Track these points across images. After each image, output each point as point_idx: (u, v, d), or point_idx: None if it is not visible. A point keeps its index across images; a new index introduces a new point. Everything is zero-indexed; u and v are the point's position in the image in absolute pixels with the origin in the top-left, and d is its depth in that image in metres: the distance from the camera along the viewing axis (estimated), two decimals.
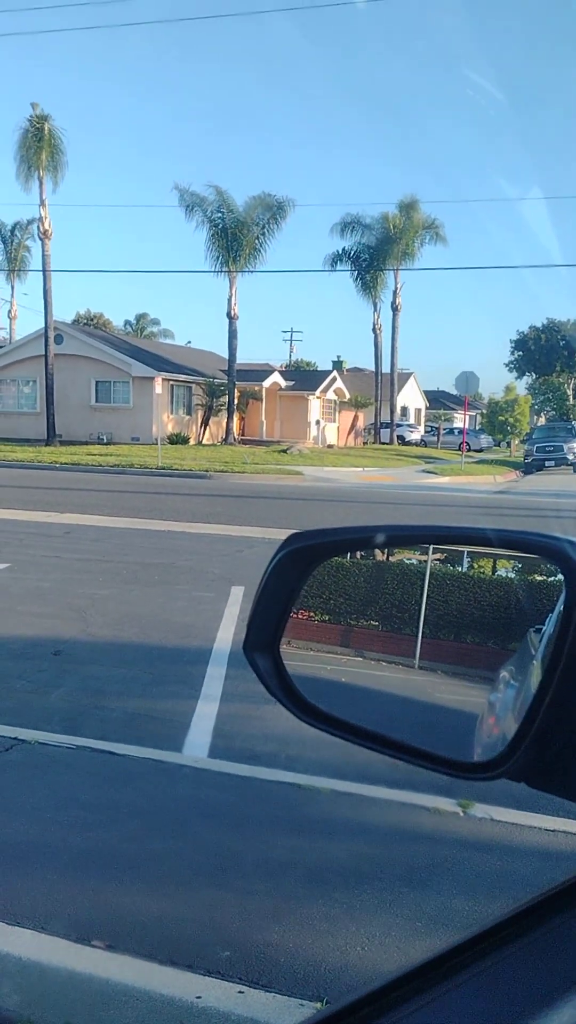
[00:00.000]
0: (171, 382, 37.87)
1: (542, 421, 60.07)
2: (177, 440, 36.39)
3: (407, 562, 1.12)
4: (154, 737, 4.81)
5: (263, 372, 44.66)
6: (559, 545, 0.82)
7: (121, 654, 6.58)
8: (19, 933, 2.86)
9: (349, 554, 1.12)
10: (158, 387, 33.32)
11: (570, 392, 69.54)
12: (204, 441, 39.64)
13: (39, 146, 34.34)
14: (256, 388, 42.55)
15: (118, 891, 3.18)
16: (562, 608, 0.79)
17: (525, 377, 71.86)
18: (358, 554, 1.14)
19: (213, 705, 5.34)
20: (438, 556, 1.06)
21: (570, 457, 35.39)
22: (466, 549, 1.09)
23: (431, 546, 1.10)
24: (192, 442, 38.52)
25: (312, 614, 1.12)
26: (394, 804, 4.02)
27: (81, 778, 4.22)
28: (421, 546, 1.10)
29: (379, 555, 1.15)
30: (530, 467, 35.45)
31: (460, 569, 1.09)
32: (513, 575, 1.07)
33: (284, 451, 34.74)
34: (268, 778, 4.29)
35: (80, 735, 4.73)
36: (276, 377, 44.57)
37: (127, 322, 75.06)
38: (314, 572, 0.97)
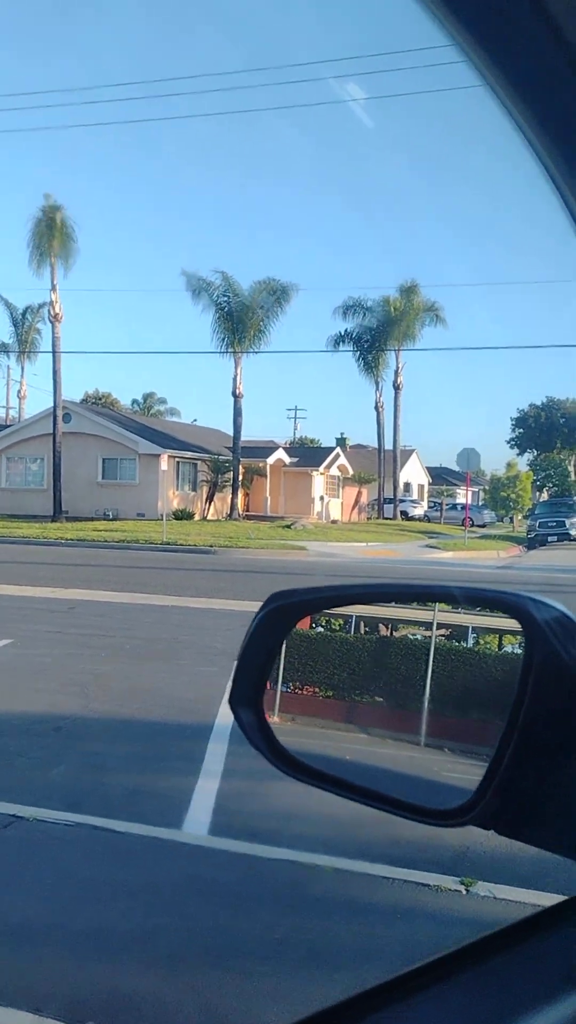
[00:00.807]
0: (177, 459, 38.34)
1: (544, 497, 60.34)
2: (182, 516, 36.63)
3: (411, 637, 1.11)
4: (154, 814, 4.76)
5: (267, 449, 45.21)
6: (520, 601, 0.89)
7: (122, 730, 6.55)
8: (17, 1016, 2.81)
9: (331, 619, 1.16)
10: (164, 464, 33.73)
11: (571, 468, 70.04)
12: (209, 517, 39.88)
13: (51, 234, 35.67)
14: (260, 464, 43.01)
15: (115, 971, 3.13)
16: (523, 660, 0.86)
17: (526, 453, 72.57)
18: (362, 629, 1.15)
19: (214, 782, 5.29)
20: (443, 632, 1.06)
21: (572, 532, 35.47)
22: (436, 603, 1.14)
23: (408, 603, 1.14)
24: (197, 518, 38.76)
25: (317, 690, 1.13)
26: (396, 882, 3.97)
27: (79, 855, 4.17)
28: (393, 603, 1.14)
29: (383, 630, 1.15)
30: (533, 542, 35.49)
31: (465, 644, 1.06)
32: (520, 651, 1.07)
33: (288, 526, 34.90)
34: (269, 856, 4.24)
35: (80, 812, 4.69)
36: (280, 454, 45.10)
37: (135, 401, 76.37)
38: (317, 646, 1.02)
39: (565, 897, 0.85)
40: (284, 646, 1.03)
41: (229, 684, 1.00)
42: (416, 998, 0.69)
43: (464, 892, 3.86)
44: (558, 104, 0.48)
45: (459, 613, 1.06)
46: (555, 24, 0.43)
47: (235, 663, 0.97)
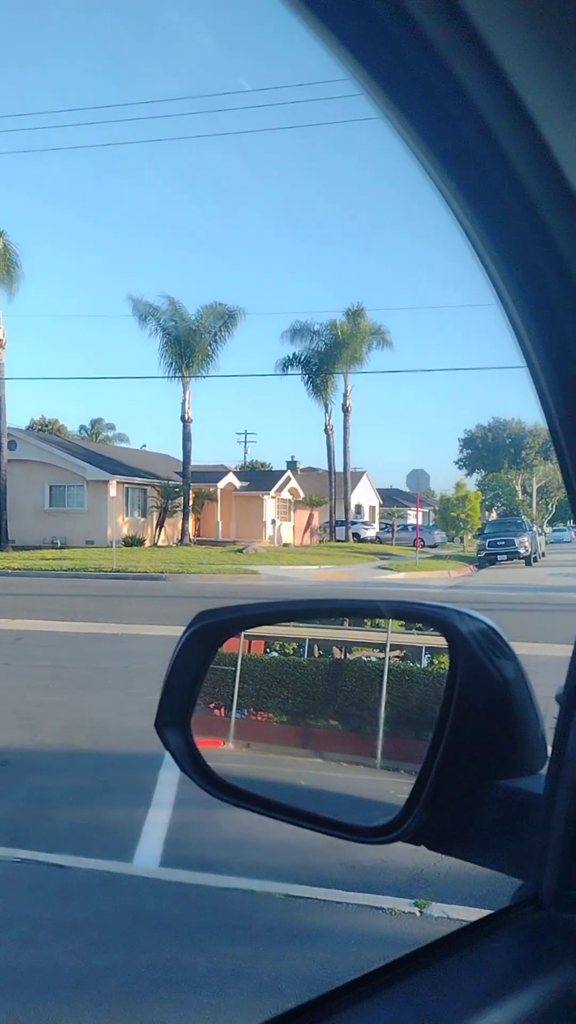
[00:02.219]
0: (126, 485, 38.04)
1: (493, 516, 61.33)
2: (132, 542, 36.28)
3: (365, 659, 1.11)
4: (103, 848, 4.66)
5: (218, 473, 45.15)
6: (445, 614, 0.89)
7: (71, 762, 6.41)
8: None
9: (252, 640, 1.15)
10: (112, 490, 33.43)
11: (519, 488, 71.42)
12: (159, 543, 39.59)
13: None
14: (211, 489, 42.91)
15: (62, 1011, 3.04)
16: (448, 673, 0.86)
17: (475, 474, 73.78)
18: (316, 652, 1.13)
19: (166, 812, 5.20)
20: (397, 653, 1.05)
21: (521, 551, 36.01)
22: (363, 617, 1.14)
23: (337, 618, 1.13)
24: (147, 544, 38.43)
25: (271, 715, 1.13)
26: (350, 907, 3.94)
27: (25, 893, 4.06)
28: (321, 620, 1.14)
29: (337, 653, 1.14)
30: (483, 561, 35.94)
31: (419, 665, 1.05)
32: None
33: (240, 551, 34.81)
34: (221, 885, 4.18)
35: (25, 848, 4.56)
36: (231, 478, 45.07)
37: (82, 427, 75.73)
38: (271, 671, 1.00)
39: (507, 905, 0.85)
40: (218, 667, 1.02)
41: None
42: (361, 1004, 0.69)
43: (418, 914, 3.85)
44: (443, 133, 0.49)
45: (412, 634, 1.05)
46: (436, 52, 0.43)
47: (162, 685, 0.96)
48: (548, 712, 0.87)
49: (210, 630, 0.97)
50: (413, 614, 0.98)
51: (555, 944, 0.76)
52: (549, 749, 0.81)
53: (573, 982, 0.73)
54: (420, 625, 1.01)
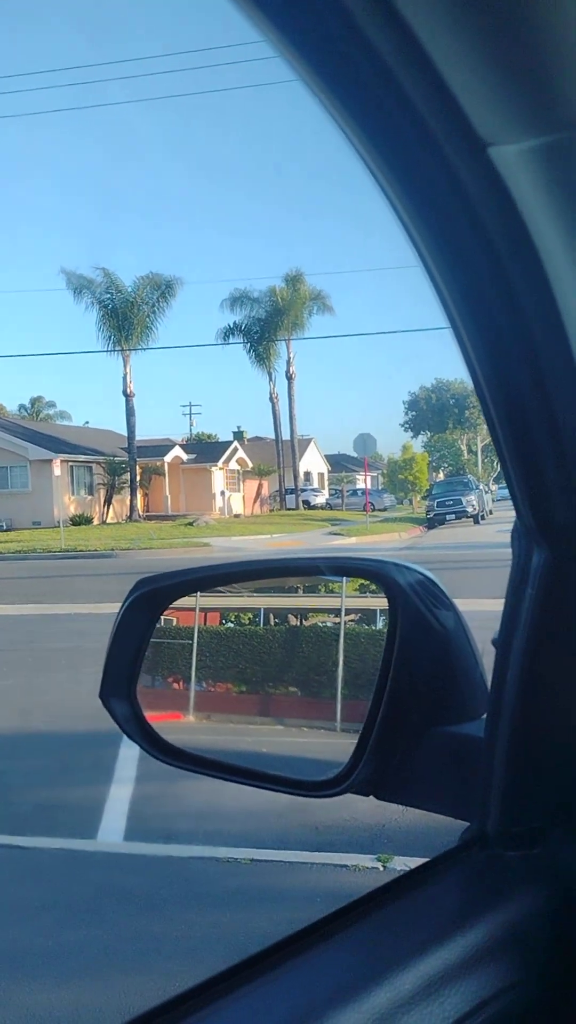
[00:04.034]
0: (70, 463, 37.48)
1: (441, 477, 62.05)
2: (80, 521, 35.86)
3: (321, 625, 1.13)
4: (66, 827, 4.65)
5: (164, 447, 44.77)
6: (383, 567, 0.90)
7: (29, 744, 6.36)
8: None
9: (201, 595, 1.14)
10: (57, 469, 32.92)
11: (464, 448, 72.34)
12: (108, 520, 39.20)
13: None
14: (158, 463, 42.56)
15: (32, 989, 3.04)
16: (388, 624, 0.87)
17: (421, 435, 74.47)
18: (272, 621, 1.14)
19: (127, 787, 5.21)
20: (352, 617, 1.06)
21: (469, 510, 36.56)
22: (303, 578, 1.14)
23: (278, 578, 1.13)
24: (96, 522, 38.03)
25: (230, 686, 1.13)
26: (315, 867, 4.01)
27: None
28: (263, 580, 1.13)
29: (292, 620, 1.15)
30: (433, 522, 36.42)
31: (374, 627, 1.06)
32: None
33: (190, 524, 34.67)
34: (186, 855, 4.21)
35: None
36: (177, 451, 44.73)
37: (22, 406, 74.25)
38: (227, 641, 0.99)
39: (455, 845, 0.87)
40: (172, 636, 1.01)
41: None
42: (317, 948, 0.70)
43: (382, 868, 3.93)
44: (364, 103, 0.48)
45: (367, 597, 1.05)
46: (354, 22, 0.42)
47: (106, 654, 0.95)
48: (488, 658, 0.89)
49: (150, 597, 0.96)
50: (352, 569, 0.98)
51: (500, 881, 0.79)
52: None
53: (517, 916, 0.76)
54: (364, 582, 1.01)
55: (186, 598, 1.05)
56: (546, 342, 0.61)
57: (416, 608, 0.87)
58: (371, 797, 0.91)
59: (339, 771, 0.88)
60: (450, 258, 0.59)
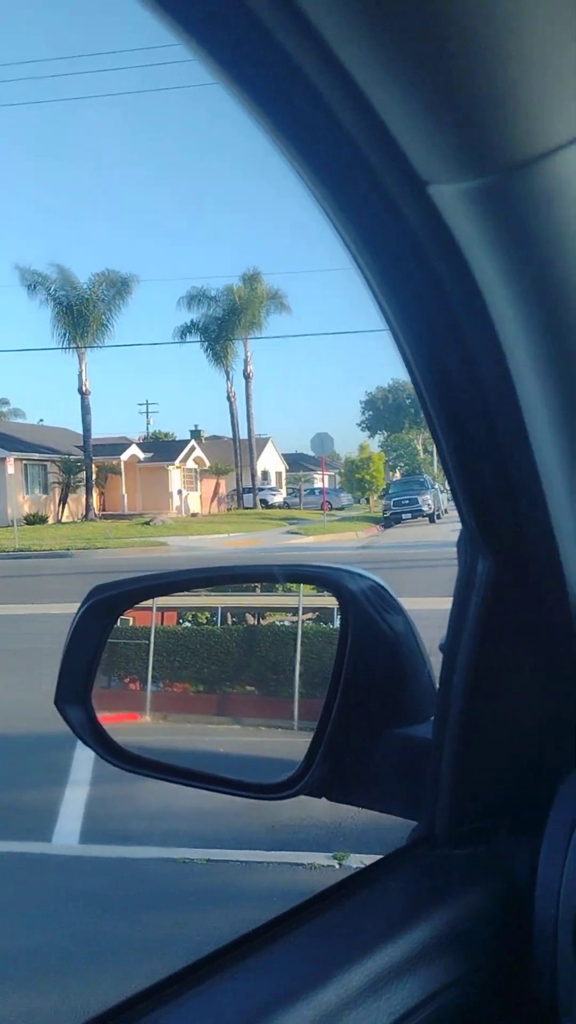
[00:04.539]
0: (24, 461, 36.98)
1: (397, 476, 62.48)
2: (35, 520, 35.39)
3: (278, 624, 1.13)
4: (20, 830, 4.61)
5: (120, 446, 44.40)
6: (336, 575, 0.92)
7: None
8: None
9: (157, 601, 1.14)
10: (10, 467, 32.48)
11: (420, 447, 72.96)
12: (64, 519, 38.75)
13: None
14: (114, 462, 42.19)
15: None
16: (340, 630, 0.89)
17: (378, 435, 74.99)
18: (229, 620, 1.14)
19: (83, 790, 5.17)
20: (310, 616, 1.06)
21: (425, 509, 36.90)
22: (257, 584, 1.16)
23: (228, 585, 1.15)
24: (51, 521, 37.56)
25: (188, 685, 1.13)
26: (271, 866, 4.03)
27: None
28: (217, 586, 1.14)
29: (250, 619, 1.16)
30: (389, 521, 36.69)
31: (331, 626, 1.05)
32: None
33: (147, 523, 34.44)
34: (143, 856, 4.20)
35: None
36: (134, 450, 44.40)
37: None
38: (184, 641, 0.99)
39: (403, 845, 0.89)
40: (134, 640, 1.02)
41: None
42: (273, 947, 0.72)
43: (337, 866, 3.97)
44: (274, 98, 0.48)
45: (324, 596, 1.05)
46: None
47: (61, 660, 0.95)
48: (437, 662, 0.91)
49: (106, 604, 0.97)
50: (305, 576, 1.00)
51: (447, 879, 0.81)
52: None
53: (462, 913, 0.78)
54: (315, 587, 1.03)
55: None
56: (484, 358, 0.63)
57: (367, 614, 0.89)
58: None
59: (292, 774, 0.89)
60: (394, 284, 0.61)
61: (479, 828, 0.83)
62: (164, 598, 1.11)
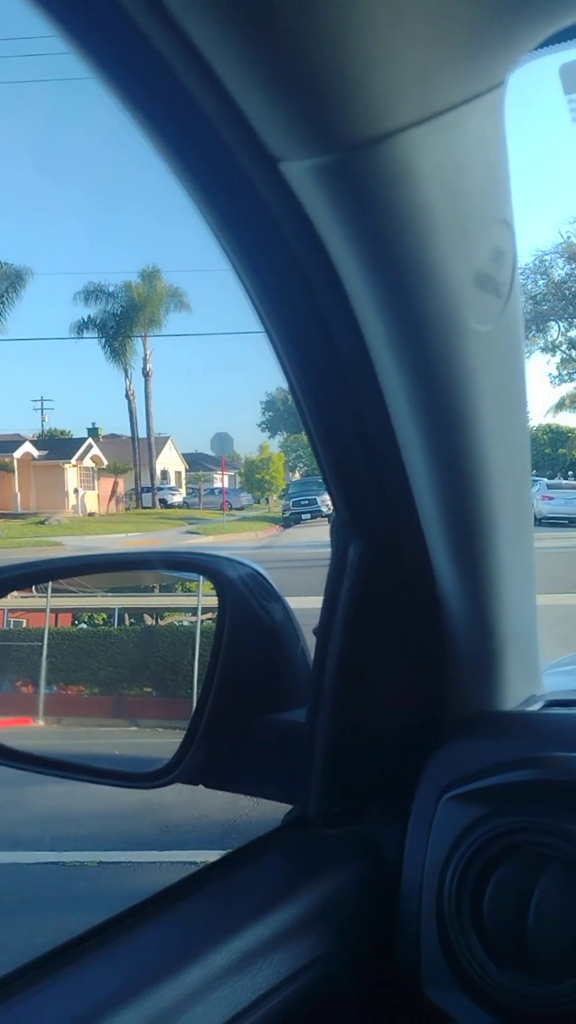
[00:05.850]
0: None
1: (296, 477, 62.85)
2: None
3: (177, 624, 1.13)
4: None
5: (13, 443, 43.03)
6: (214, 561, 0.94)
7: None
8: None
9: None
10: None
11: None
12: None
13: None
14: (7, 459, 40.87)
15: None
16: (217, 616, 0.91)
17: (277, 436, 75.27)
18: (127, 621, 1.14)
19: None
20: (209, 615, 1.03)
21: (324, 509, 37.16)
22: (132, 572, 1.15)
23: (109, 572, 1.13)
24: None
25: (83, 688, 1.12)
26: (163, 865, 4.01)
27: None
28: (94, 574, 1.13)
29: (148, 619, 1.16)
30: (289, 521, 36.87)
31: None
32: None
33: (42, 522, 33.52)
34: (31, 861, 4.12)
35: None
36: (28, 447, 43.12)
37: None
38: (79, 643, 0.98)
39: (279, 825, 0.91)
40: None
41: None
42: (143, 927, 0.73)
43: None
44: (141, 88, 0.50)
45: None
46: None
47: None
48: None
49: None
50: (183, 563, 1.02)
51: (318, 858, 0.84)
52: None
53: (331, 890, 0.80)
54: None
55: (36, 598, 1.04)
56: (346, 345, 0.65)
57: (245, 600, 0.90)
58: (228, 792, 0.94)
59: (168, 761, 0.90)
60: (257, 267, 0.62)
61: (351, 808, 0.86)
62: (59, 599, 1.09)
